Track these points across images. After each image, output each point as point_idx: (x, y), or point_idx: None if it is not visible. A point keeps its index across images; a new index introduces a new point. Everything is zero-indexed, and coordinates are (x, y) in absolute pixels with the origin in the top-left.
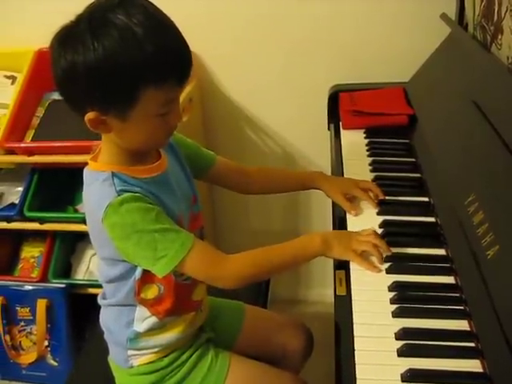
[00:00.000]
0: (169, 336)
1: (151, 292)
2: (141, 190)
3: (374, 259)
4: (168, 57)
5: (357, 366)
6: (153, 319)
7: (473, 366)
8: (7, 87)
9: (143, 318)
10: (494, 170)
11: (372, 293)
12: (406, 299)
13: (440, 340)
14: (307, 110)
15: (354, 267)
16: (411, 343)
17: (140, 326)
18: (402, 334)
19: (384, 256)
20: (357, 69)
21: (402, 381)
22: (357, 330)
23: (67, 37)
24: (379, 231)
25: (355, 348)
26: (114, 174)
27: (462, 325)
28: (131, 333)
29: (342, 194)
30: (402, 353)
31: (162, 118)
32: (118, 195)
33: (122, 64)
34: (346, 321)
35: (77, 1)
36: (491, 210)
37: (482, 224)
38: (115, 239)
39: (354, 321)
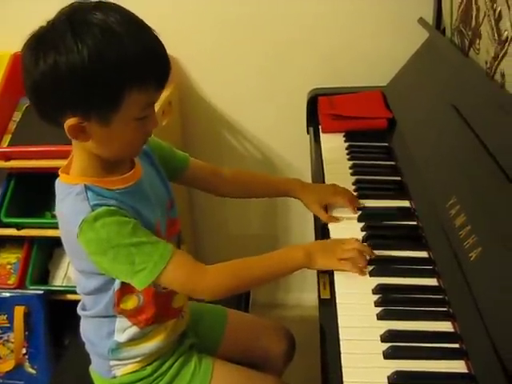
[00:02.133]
0: (151, 345)
1: (131, 303)
2: (116, 202)
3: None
4: (149, 57)
5: (343, 370)
6: (134, 329)
7: (458, 366)
8: None
9: (124, 329)
10: (474, 173)
11: (356, 296)
12: (390, 301)
13: (425, 342)
14: (286, 114)
15: (338, 271)
16: (397, 345)
17: (121, 337)
18: (388, 337)
19: (368, 258)
20: (336, 73)
21: (389, 383)
22: (342, 334)
23: (44, 40)
24: (361, 235)
25: (341, 351)
26: (87, 187)
27: (446, 326)
28: (112, 343)
29: (319, 204)
30: (388, 355)
31: (140, 123)
32: (92, 210)
33: (108, 63)
34: (330, 324)
35: (52, 5)
36: (472, 213)
37: (464, 227)
38: (91, 254)
39: (339, 324)
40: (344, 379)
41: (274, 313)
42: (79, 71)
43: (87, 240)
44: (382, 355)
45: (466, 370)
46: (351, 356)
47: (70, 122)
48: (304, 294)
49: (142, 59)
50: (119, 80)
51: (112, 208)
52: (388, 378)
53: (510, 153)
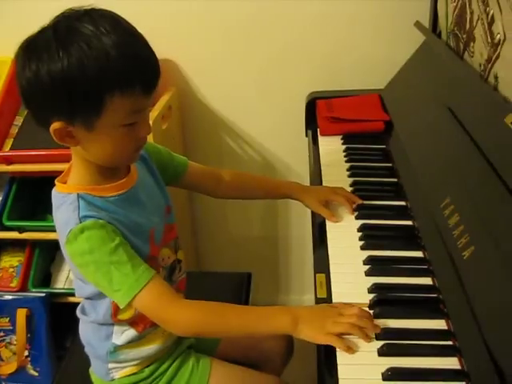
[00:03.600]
0: (148, 348)
1: (127, 314)
2: (106, 214)
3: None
4: (134, 65)
5: (338, 367)
6: (131, 332)
7: (451, 363)
8: None
9: (122, 331)
10: (468, 174)
11: (352, 295)
12: (385, 300)
13: (419, 339)
14: (285, 117)
15: (335, 271)
16: (391, 343)
17: (119, 339)
18: (382, 335)
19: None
20: (334, 76)
21: (383, 379)
22: None
23: (31, 47)
24: (357, 235)
25: (337, 350)
26: (80, 196)
27: (440, 324)
28: (111, 346)
29: (320, 203)
30: (383, 352)
31: (129, 129)
32: (80, 222)
33: (87, 72)
34: None
35: (53, 10)
36: (466, 213)
37: (458, 226)
38: (76, 265)
39: None
40: (339, 376)
41: None
42: (59, 79)
43: (72, 251)
44: (376, 353)
45: (458, 367)
46: (346, 354)
47: (54, 125)
48: (304, 297)
49: (125, 67)
50: (99, 87)
51: (100, 221)
52: (382, 374)
53: (503, 153)
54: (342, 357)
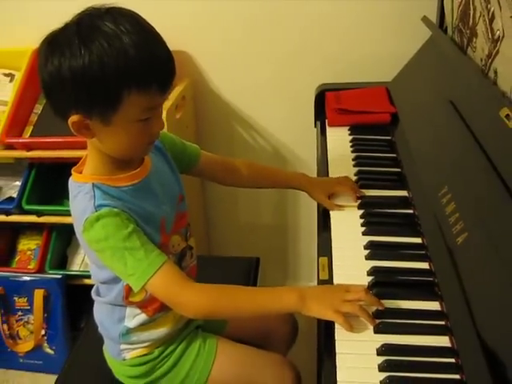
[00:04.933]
0: (159, 331)
1: (138, 296)
2: (120, 202)
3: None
4: (152, 64)
5: (336, 342)
6: (143, 316)
7: (442, 341)
8: (6, 85)
9: (134, 315)
10: (466, 164)
11: (352, 277)
12: (382, 283)
13: (413, 319)
14: (296, 108)
15: (337, 254)
16: (387, 321)
17: (131, 322)
18: (379, 313)
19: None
20: (343, 69)
21: (378, 354)
22: None
23: (54, 42)
24: (360, 221)
25: (336, 326)
26: (95, 186)
27: (434, 305)
28: (123, 328)
29: (324, 194)
30: (378, 330)
31: (143, 124)
32: (96, 210)
33: (107, 69)
34: None
35: (75, 2)
36: (462, 201)
37: (453, 213)
38: (94, 251)
39: None
40: (337, 351)
41: None
42: (79, 74)
43: (89, 238)
44: (372, 330)
45: (449, 345)
46: (344, 330)
47: (73, 118)
48: (311, 283)
49: (143, 66)
50: (117, 84)
51: (115, 210)
52: (377, 350)
53: (498, 146)
54: (340, 333)
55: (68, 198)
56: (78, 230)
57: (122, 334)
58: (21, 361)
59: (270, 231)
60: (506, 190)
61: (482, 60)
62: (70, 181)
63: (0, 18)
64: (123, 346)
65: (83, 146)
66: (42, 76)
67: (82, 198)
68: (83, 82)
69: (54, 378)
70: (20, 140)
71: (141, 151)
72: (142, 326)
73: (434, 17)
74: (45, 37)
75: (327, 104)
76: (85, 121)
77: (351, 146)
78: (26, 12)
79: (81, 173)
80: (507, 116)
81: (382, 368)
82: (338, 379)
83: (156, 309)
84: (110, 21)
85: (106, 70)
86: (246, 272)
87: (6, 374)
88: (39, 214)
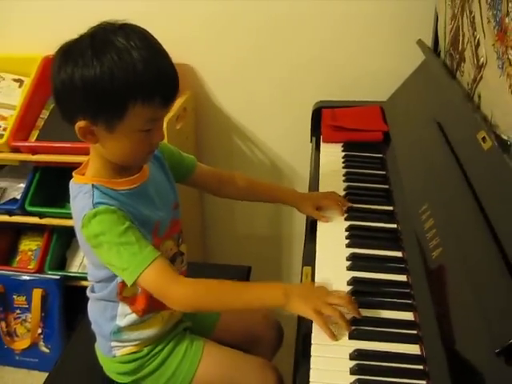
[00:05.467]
0: (148, 331)
1: (130, 290)
2: (117, 202)
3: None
4: (157, 79)
5: (312, 346)
6: (133, 316)
7: (412, 349)
8: (15, 90)
9: (125, 314)
10: (445, 183)
11: (332, 286)
12: (360, 292)
13: (386, 327)
14: (294, 124)
15: (320, 264)
16: (361, 328)
17: (122, 321)
18: (354, 321)
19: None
20: (341, 88)
21: (350, 358)
22: None
23: (69, 52)
24: (344, 234)
25: (313, 330)
26: (94, 187)
27: (408, 316)
28: (114, 327)
29: (312, 207)
30: (353, 336)
31: (145, 134)
32: (94, 207)
33: (116, 81)
34: None
35: (83, 13)
36: (439, 218)
37: (431, 229)
38: (91, 247)
39: None
40: (312, 353)
41: None
42: (90, 84)
43: (87, 233)
44: (347, 336)
45: (419, 353)
46: (321, 334)
47: (80, 124)
48: None
49: (149, 80)
50: (124, 95)
51: (111, 207)
52: (349, 354)
53: (474, 167)
54: (317, 337)
55: (70, 201)
56: (77, 227)
57: (113, 331)
58: (17, 358)
59: (265, 242)
60: (479, 208)
61: (468, 84)
62: (71, 182)
63: (12, 26)
64: (114, 344)
65: (86, 152)
66: (55, 83)
67: (82, 197)
68: (93, 91)
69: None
70: (26, 144)
71: (140, 159)
72: (133, 326)
73: (429, 39)
74: (60, 46)
75: (323, 120)
76: (91, 127)
77: (343, 162)
78: (35, 20)
79: (82, 175)
80: (483, 139)
81: (352, 371)
82: (310, 379)
83: (144, 310)
84: (122, 36)
85: (115, 82)
86: (237, 280)
87: (1, 370)
88: (41, 215)
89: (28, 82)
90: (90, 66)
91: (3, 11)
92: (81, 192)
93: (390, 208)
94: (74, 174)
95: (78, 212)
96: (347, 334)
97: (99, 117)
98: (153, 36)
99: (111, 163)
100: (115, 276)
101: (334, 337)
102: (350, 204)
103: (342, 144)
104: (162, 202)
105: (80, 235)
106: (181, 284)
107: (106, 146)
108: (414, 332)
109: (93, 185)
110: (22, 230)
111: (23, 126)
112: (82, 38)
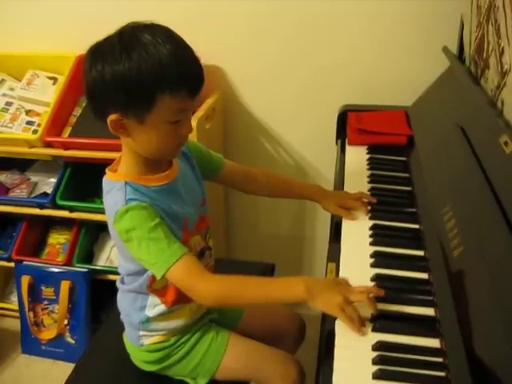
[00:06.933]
0: (176, 322)
1: (160, 283)
2: (149, 199)
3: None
4: (182, 71)
5: (336, 336)
6: (162, 307)
7: (432, 343)
8: (49, 87)
9: (154, 305)
10: (468, 186)
11: (356, 282)
12: (384, 288)
13: (408, 321)
14: (320, 126)
15: (344, 261)
16: (384, 322)
17: (151, 312)
18: (378, 316)
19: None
20: (367, 92)
21: (372, 349)
22: None
23: (99, 50)
24: (368, 233)
25: (336, 322)
26: (127, 183)
27: (429, 311)
28: (143, 317)
29: (336, 204)
30: (375, 329)
31: (174, 126)
32: (126, 203)
33: (144, 74)
34: None
35: (117, 15)
36: (461, 219)
37: (453, 229)
38: (123, 241)
39: None
40: (336, 343)
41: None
42: (120, 78)
43: (119, 228)
44: (370, 328)
45: (438, 346)
46: (342, 327)
47: (111, 117)
48: None
49: (175, 72)
50: (153, 87)
51: (143, 204)
52: (372, 346)
53: (497, 171)
54: (340, 327)
55: (99, 197)
56: (110, 222)
57: (142, 321)
58: (43, 348)
59: (288, 239)
60: (500, 210)
61: (491, 90)
62: (104, 179)
63: (48, 26)
64: (142, 333)
65: (116, 149)
66: (87, 80)
67: (115, 193)
68: (123, 85)
69: (72, 366)
70: (59, 139)
71: (170, 152)
72: (161, 316)
73: (454, 47)
74: (90, 46)
75: (349, 124)
76: (122, 120)
77: (368, 165)
78: (69, 20)
79: (115, 171)
80: (505, 143)
81: (375, 362)
82: (334, 367)
83: (174, 301)
84: (148, 33)
85: (143, 75)
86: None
87: (28, 358)
88: (71, 209)
89: (62, 79)
90: (120, 62)
91: (41, 12)
92: (114, 188)
93: (413, 209)
94: (106, 170)
95: (110, 208)
96: (371, 326)
97: (129, 109)
98: (176, 33)
99: (143, 159)
100: (146, 270)
101: (359, 331)
102: (375, 199)
103: (366, 147)
104: (191, 199)
105: (112, 230)
106: (206, 280)
107: (136, 140)
108: (434, 326)
109: (125, 181)
110: (51, 224)
111: (56, 123)
112: (110, 37)
